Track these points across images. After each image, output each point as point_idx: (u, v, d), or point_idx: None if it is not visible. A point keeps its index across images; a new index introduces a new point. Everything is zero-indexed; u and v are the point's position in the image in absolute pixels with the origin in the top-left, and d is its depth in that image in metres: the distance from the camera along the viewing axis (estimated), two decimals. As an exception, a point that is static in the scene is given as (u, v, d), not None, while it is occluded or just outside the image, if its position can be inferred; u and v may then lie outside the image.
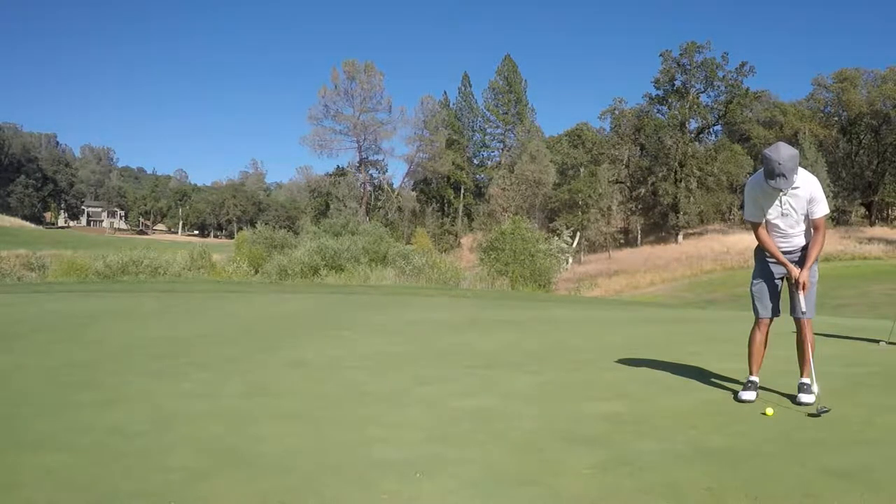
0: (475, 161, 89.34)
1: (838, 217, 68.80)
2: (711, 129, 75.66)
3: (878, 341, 7.11)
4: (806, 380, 4.51)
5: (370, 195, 74.76)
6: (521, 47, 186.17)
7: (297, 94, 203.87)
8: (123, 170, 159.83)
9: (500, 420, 4.03)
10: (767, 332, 4.70)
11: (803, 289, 4.50)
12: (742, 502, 2.70)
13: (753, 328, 4.74)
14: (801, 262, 4.54)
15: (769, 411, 4.17)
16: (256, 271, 27.95)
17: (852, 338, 7.64)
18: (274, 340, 7.48)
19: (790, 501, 2.70)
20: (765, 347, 4.71)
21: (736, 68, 69.10)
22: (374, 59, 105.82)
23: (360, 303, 13.90)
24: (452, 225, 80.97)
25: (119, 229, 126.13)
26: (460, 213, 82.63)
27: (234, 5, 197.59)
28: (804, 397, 4.42)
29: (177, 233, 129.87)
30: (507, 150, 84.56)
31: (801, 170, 4.40)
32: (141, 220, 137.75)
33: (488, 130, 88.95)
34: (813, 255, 4.51)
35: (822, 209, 4.49)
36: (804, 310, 4.54)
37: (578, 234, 67.29)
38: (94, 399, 4.42)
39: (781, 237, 4.58)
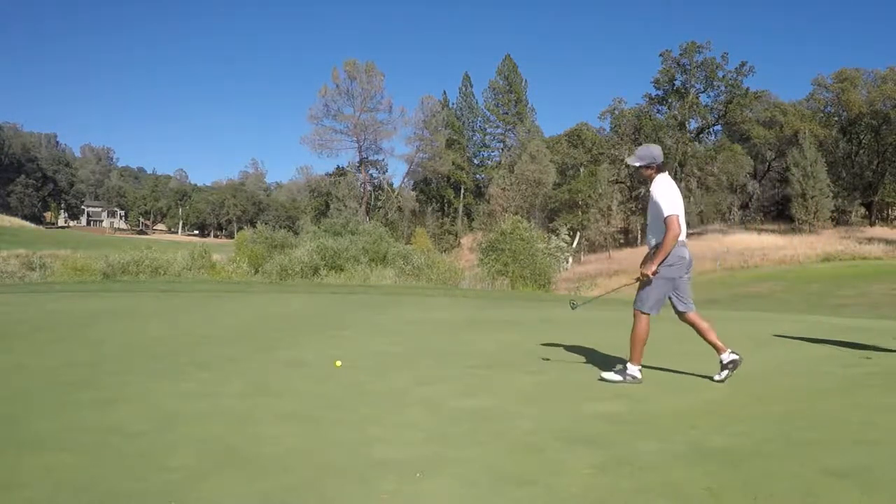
0: (475, 161, 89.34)
1: (838, 217, 68.82)
2: (711, 129, 75.71)
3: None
4: (726, 355, 5.06)
5: (370, 195, 74.73)
6: (521, 47, 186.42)
7: (297, 94, 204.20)
8: (123, 170, 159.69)
9: (500, 420, 4.03)
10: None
11: (638, 280, 5.13)
12: (742, 502, 2.70)
13: (647, 323, 5.18)
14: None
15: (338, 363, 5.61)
16: (256, 271, 27.91)
17: (855, 344, 7.62)
18: (274, 340, 7.47)
19: (790, 501, 2.70)
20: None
21: (736, 68, 69.16)
22: (375, 59, 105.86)
23: (360, 303, 13.89)
24: (452, 225, 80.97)
25: (119, 229, 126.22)
26: (460, 213, 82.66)
27: (235, 5, 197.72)
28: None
29: (177, 233, 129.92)
30: (507, 150, 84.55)
31: (664, 180, 5.08)
32: (141, 219, 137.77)
33: (488, 130, 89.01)
34: (659, 254, 5.00)
35: (664, 210, 4.95)
36: (681, 308, 5.25)
37: (578, 233, 67.33)
38: (94, 399, 4.41)
39: (649, 234, 5.23)
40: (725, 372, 5.02)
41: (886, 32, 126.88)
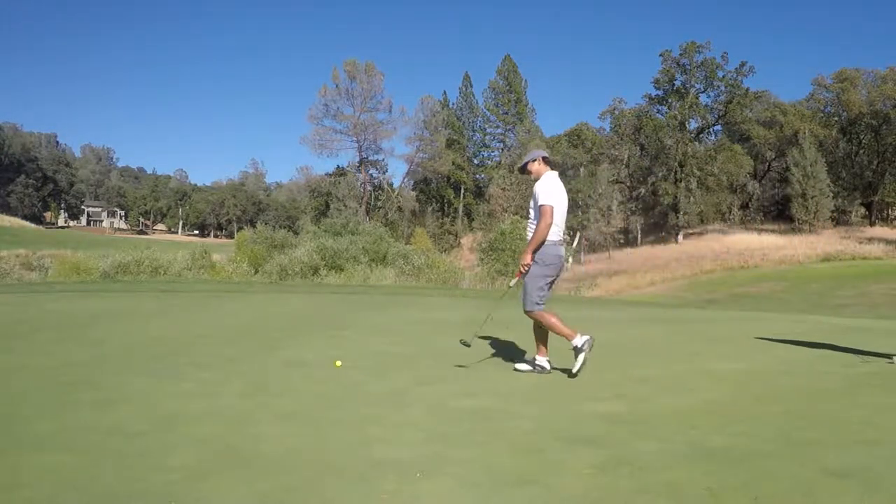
0: (475, 161, 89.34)
1: (838, 217, 68.81)
2: (711, 129, 75.66)
3: (891, 357, 6.17)
4: (540, 358, 5.58)
5: (370, 195, 74.70)
6: (521, 47, 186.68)
7: (297, 94, 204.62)
8: (123, 170, 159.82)
9: (500, 420, 4.03)
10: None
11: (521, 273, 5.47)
12: (742, 502, 2.70)
13: (547, 314, 5.45)
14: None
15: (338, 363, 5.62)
16: (256, 271, 27.93)
17: (861, 351, 7.59)
18: (274, 340, 7.47)
19: (790, 501, 2.70)
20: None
21: (736, 68, 69.11)
22: (375, 59, 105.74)
23: (360, 303, 13.89)
24: (452, 225, 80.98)
25: (119, 229, 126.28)
26: (460, 213, 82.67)
27: (235, 5, 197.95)
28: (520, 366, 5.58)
29: (177, 233, 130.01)
30: (507, 150, 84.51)
31: (549, 177, 5.46)
32: (141, 219, 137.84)
33: (488, 130, 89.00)
34: (532, 242, 5.34)
35: (539, 199, 5.34)
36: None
37: (578, 233, 67.32)
38: (94, 399, 4.41)
39: (529, 228, 5.52)
40: (528, 366, 5.58)
41: (886, 32, 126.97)
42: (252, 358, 6.22)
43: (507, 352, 6.89)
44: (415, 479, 2.99)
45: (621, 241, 72.69)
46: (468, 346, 5.73)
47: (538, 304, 5.40)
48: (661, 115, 72.56)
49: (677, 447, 3.43)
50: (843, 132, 72.92)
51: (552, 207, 5.29)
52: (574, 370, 5.26)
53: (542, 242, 5.30)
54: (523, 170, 5.62)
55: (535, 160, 5.57)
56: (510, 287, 5.92)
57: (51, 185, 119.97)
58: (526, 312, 5.46)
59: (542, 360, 5.58)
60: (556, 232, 5.36)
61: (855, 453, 3.30)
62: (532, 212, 5.46)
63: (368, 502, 2.76)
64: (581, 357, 5.26)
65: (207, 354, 6.32)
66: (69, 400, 4.40)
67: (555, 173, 5.56)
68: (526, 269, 5.39)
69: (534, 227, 5.37)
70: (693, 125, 73.16)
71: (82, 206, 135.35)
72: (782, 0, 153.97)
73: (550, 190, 5.38)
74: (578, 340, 5.29)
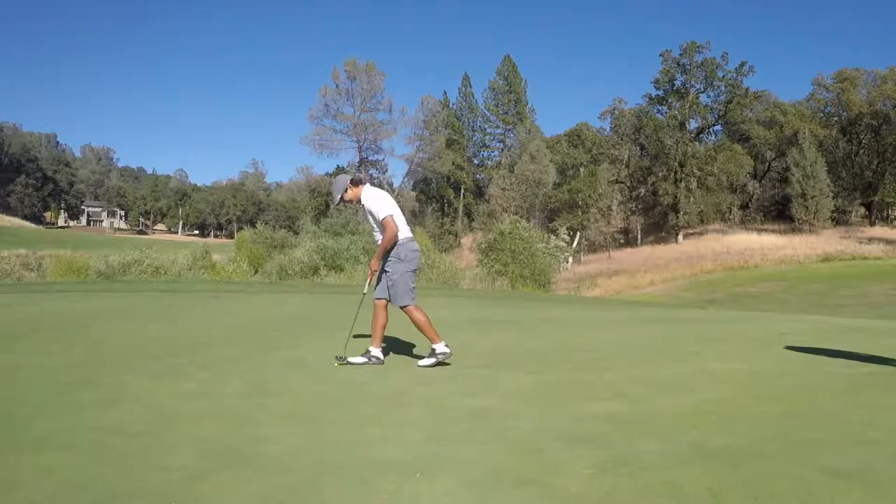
0: (475, 161, 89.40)
1: (838, 217, 68.84)
2: (711, 129, 75.70)
3: None
4: (374, 349, 5.81)
5: (370, 195, 74.63)
6: (521, 47, 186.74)
7: (297, 94, 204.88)
8: (123, 170, 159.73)
9: (500, 420, 4.02)
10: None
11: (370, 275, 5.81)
12: (742, 502, 2.70)
13: (416, 309, 5.74)
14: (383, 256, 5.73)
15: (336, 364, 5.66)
16: (256, 271, 27.93)
17: (857, 354, 7.61)
18: (274, 340, 7.47)
19: (790, 501, 2.70)
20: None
21: (736, 68, 69.17)
22: (375, 59, 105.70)
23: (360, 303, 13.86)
24: (452, 225, 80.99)
25: (119, 229, 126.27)
26: (460, 213, 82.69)
27: (234, 5, 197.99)
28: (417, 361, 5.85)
29: (177, 233, 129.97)
30: (507, 150, 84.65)
31: (368, 191, 5.74)
32: (141, 219, 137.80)
33: (488, 130, 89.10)
34: (379, 250, 5.71)
35: (379, 214, 5.63)
36: (377, 295, 5.82)
37: (578, 234, 67.36)
38: (94, 399, 4.41)
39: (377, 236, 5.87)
40: (363, 359, 5.78)
41: (886, 32, 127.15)
42: (252, 358, 6.22)
43: (506, 352, 6.90)
44: (415, 479, 2.99)
45: (621, 241, 72.72)
46: (344, 359, 5.85)
47: (411, 297, 5.72)
48: (661, 115, 72.61)
49: (677, 447, 3.42)
50: (843, 132, 72.94)
51: (392, 216, 5.63)
52: (421, 363, 5.73)
53: (392, 248, 5.66)
54: (341, 202, 5.85)
55: (346, 190, 5.79)
56: (364, 294, 6.10)
57: (51, 185, 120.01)
58: (401, 308, 5.74)
59: (376, 351, 5.80)
60: (406, 230, 5.73)
61: (855, 453, 3.29)
62: (375, 225, 5.78)
63: (368, 502, 2.76)
64: (432, 360, 5.70)
65: (207, 354, 6.32)
66: (69, 400, 4.40)
67: (368, 185, 5.86)
68: (372, 275, 5.76)
69: (381, 237, 5.71)
70: (693, 125, 73.21)
71: (82, 206, 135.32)
72: (782, 0, 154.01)
73: (382, 201, 5.68)
74: (440, 347, 5.70)
